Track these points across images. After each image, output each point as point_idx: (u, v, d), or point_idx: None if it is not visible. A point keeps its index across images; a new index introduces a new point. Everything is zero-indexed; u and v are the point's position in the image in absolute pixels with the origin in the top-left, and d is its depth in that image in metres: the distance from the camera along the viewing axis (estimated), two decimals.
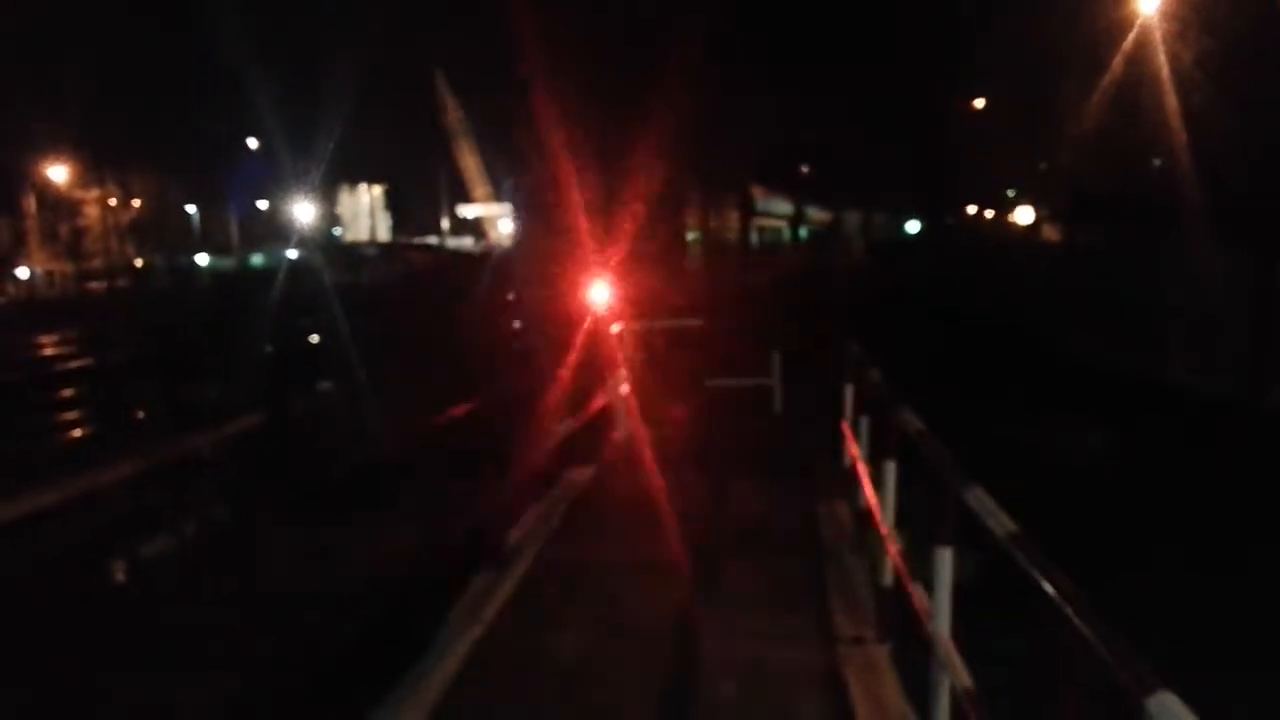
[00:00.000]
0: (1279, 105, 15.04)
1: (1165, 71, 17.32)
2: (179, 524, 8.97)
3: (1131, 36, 18.92)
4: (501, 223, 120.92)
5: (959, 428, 4.91)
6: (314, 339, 22.99)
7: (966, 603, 4.07)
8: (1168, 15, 17.79)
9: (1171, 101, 17.05)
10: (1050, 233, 36.60)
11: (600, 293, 10.87)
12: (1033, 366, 17.91)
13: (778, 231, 47.91)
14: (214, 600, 7.44)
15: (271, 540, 8.94)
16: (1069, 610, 2.23)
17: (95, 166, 41.42)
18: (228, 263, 56.41)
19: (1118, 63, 19.41)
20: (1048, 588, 2.38)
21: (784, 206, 48.30)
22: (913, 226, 71.44)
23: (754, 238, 41.40)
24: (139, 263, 50.54)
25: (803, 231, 52.55)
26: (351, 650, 6.68)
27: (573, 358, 10.14)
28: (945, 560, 3.63)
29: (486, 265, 51.86)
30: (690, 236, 30.49)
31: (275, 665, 6.48)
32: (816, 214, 55.41)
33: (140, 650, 6.64)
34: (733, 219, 37.94)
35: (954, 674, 3.34)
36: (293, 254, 54.98)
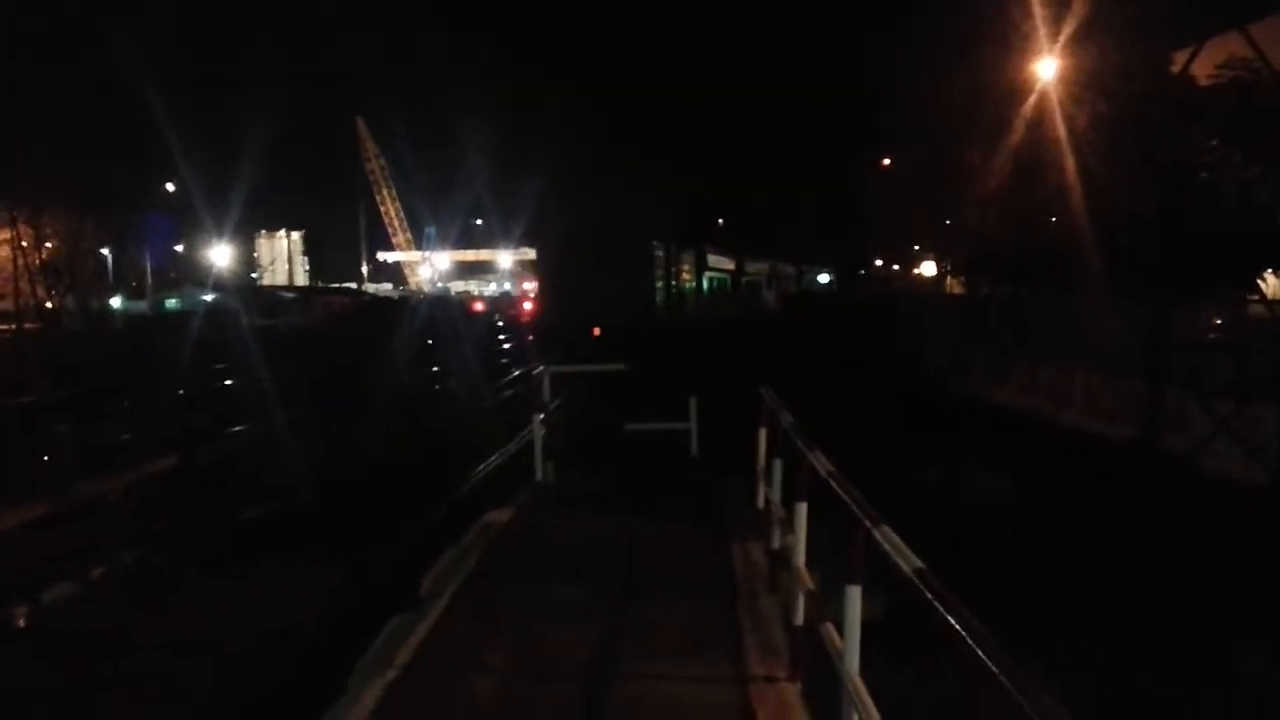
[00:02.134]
0: (1166, 165, 15.96)
1: (1063, 133, 18.23)
2: (83, 570, 8.70)
3: (1031, 101, 19.93)
4: (422, 269, 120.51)
5: (861, 470, 5.07)
6: (228, 383, 22.49)
7: (879, 639, 4.20)
8: (1064, 81, 18.79)
9: (1069, 162, 17.90)
10: (954, 285, 38.04)
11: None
12: (942, 413, 18.42)
13: (724, 281, 51.99)
14: (117, 648, 7.20)
15: (179, 586, 8.70)
16: (972, 642, 2.32)
17: (6, 208, 39.98)
18: (141, 305, 54.84)
19: (1018, 125, 20.35)
20: (952, 621, 2.48)
21: (729, 261, 52.43)
22: (823, 278, 75.59)
23: (706, 286, 45.72)
24: (50, 305, 48.83)
25: (743, 281, 56.96)
26: (259, 698, 6.54)
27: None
28: (854, 598, 3.72)
29: (407, 309, 51.59)
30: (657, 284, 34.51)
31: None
32: (755, 266, 59.08)
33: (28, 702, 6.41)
34: (688, 272, 42.19)
35: (862, 710, 3.44)
36: (209, 297, 53.80)
